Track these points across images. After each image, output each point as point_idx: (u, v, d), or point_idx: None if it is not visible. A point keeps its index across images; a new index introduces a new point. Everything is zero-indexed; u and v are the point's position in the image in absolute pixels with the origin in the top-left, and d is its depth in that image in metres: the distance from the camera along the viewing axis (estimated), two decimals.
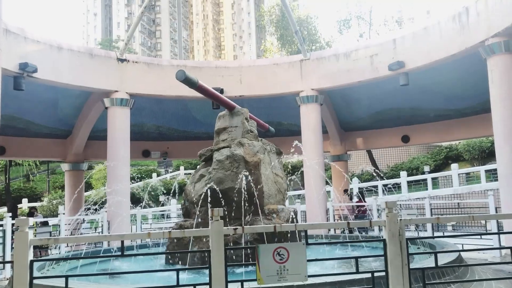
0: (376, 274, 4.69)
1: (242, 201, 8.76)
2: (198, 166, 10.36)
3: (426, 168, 29.11)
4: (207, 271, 4.26)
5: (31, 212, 15.82)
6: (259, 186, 9.13)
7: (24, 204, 32.05)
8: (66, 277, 4.19)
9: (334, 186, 19.58)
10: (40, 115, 16.91)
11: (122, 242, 4.36)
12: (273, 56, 39.99)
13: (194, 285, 4.39)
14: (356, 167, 33.73)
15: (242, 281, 4.46)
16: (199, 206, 9.22)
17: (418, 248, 10.19)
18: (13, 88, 12.62)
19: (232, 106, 10.02)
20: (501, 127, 11.02)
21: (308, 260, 4.49)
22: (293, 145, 9.64)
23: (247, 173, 8.73)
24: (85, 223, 14.17)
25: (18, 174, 39.94)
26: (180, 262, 8.87)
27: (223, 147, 9.64)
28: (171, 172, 43.50)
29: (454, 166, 24.05)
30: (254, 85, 16.10)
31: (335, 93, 17.17)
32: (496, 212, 11.28)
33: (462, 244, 11.19)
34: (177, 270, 4.39)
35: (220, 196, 8.89)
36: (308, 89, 15.86)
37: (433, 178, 25.48)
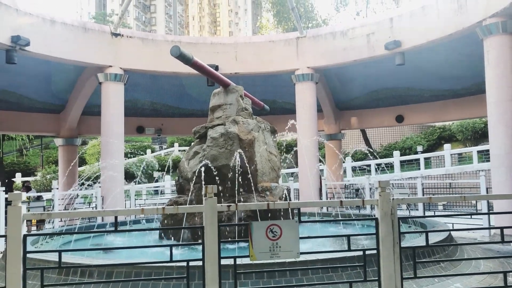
0: (367, 252, 4.74)
1: (235, 179, 8.78)
2: (192, 143, 10.35)
3: (419, 148, 29.28)
4: (200, 247, 4.30)
5: (28, 186, 15.80)
6: (252, 164, 9.15)
7: (18, 179, 32.03)
8: (59, 251, 4.21)
9: (328, 165, 19.68)
10: (33, 90, 16.75)
11: (116, 217, 4.37)
12: (269, 33, 39.57)
13: (187, 260, 4.42)
14: (350, 146, 33.85)
15: (235, 257, 4.50)
16: (193, 183, 9.25)
17: (410, 227, 10.33)
18: (5, 61, 12.46)
19: (227, 83, 9.95)
20: (495, 108, 11.04)
21: (301, 238, 4.53)
22: (289, 124, 9.64)
23: (241, 151, 8.72)
24: (79, 198, 14.20)
25: (12, 148, 39.73)
26: (173, 238, 8.94)
27: (218, 125, 9.61)
28: (165, 149, 43.48)
29: (446, 146, 24.18)
30: (250, 62, 15.99)
31: (330, 71, 17.09)
32: (487, 192, 11.40)
33: (452, 224, 11.35)
34: (170, 246, 4.42)
35: (214, 173, 8.91)
36: (303, 67, 15.77)
37: (425, 158, 25.63)
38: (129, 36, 15.26)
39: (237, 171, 8.77)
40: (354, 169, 25.64)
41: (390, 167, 25.94)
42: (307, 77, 15.78)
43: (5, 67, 13.47)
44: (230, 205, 4.62)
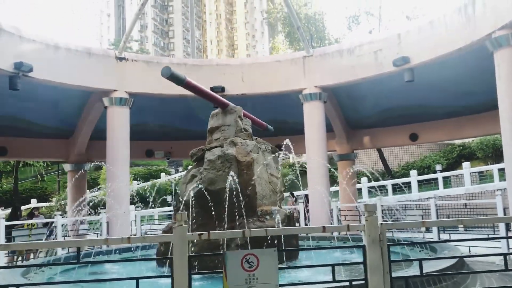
0: (356, 283, 4.31)
1: (233, 203, 8.42)
2: (190, 166, 10.07)
3: (438, 167, 28.42)
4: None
5: (32, 213, 15.71)
6: (251, 187, 8.78)
7: (33, 205, 32.19)
8: (18, 286, 3.91)
9: (341, 186, 19.15)
10: (41, 115, 16.78)
11: (78, 248, 4.08)
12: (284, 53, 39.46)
13: None
14: (366, 166, 33.19)
15: None
16: (190, 207, 8.94)
17: (421, 251, 9.78)
18: (8, 88, 12.48)
19: (225, 104, 9.69)
20: (509, 124, 10.51)
21: (280, 268, 4.15)
22: (283, 144, 9.27)
23: (234, 174, 8.37)
24: (83, 224, 13.99)
25: (30, 174, 40.21)
26: (167, 266, 8.60)
27: (215, 147, 9.31)
28: (180, 172, 43.37)
29: (465, 164, 23.35)
30: (256, 83, 15.76)
31: (340, 90, 16.72)
32: (505, 213, 10.75)
33: (469, 247, 10.73)
34: (137, 279, 4.08)
35: (211, 197, 8.58)
36: (311, 87, 15.47)
37: (445, 177, 24.83)
38: (134, 60, 15.23)
39: (233, 195, 8.41)
40: (370, 190, 24.97)
41: (407, 187, 25.19)
42: (314, 97, 15.45)
43: (13, 94, 13.49)
44: (202, 234, 4.28)
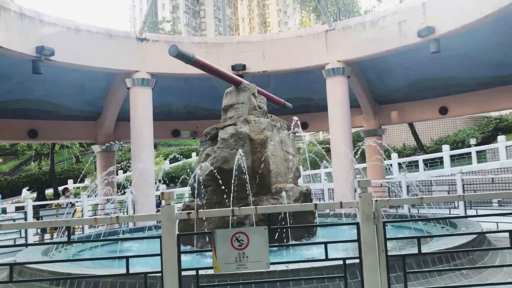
0: (350, 261, 4.20)
1: (246, 181, 8.38)
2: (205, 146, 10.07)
3: (472, 141, 27.45)
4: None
5: (57, 194, 16.17)
6: (264, 165, 8.70)
7: (70, 185, 33.25)
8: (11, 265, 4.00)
9: (368, 163, 18.79)
10: (69, 98, 17.12)
11: (69, 228, 4.12)
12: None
13: (145, 273, 4.09)
14: (397, 142, 32.45)
15: (197, 269, 4.12)
16: (203, 186, 8.98)
17: (443, 227, 9.53)
18: (32, 72, 12.74)
19: (238, 82, 9.58)
20: None
21: (270, 246, 4.07)
22: (293, 122, 9.07)
23: (241, 152, 8.30)
24: (109, 204, 14.33)
25: (67, 156, 41.44)
26: (186, 245, 8.69)
27: (229, 125, 9.25)
28: None
29: (501, 138, 22.40)
30: (278, 59, 15.51)
31: (365, 64, 16.27)
32: None
33: (497, 223, 10.39)
34: (127, 258, 4.10)
35: (225, 175, 8.56)
36: (334, 61, 15.10)
37: (480, 152, 23.97)
38: (154, 40, 15.25)
39: (247, 173, 8.36)
40: (400, 166, 24.44)
41: (439, 162, 24.48)
42: (338, 71, 15.08)
43: (40, 78, 13.78)
44: (190, 213, 4.24)
